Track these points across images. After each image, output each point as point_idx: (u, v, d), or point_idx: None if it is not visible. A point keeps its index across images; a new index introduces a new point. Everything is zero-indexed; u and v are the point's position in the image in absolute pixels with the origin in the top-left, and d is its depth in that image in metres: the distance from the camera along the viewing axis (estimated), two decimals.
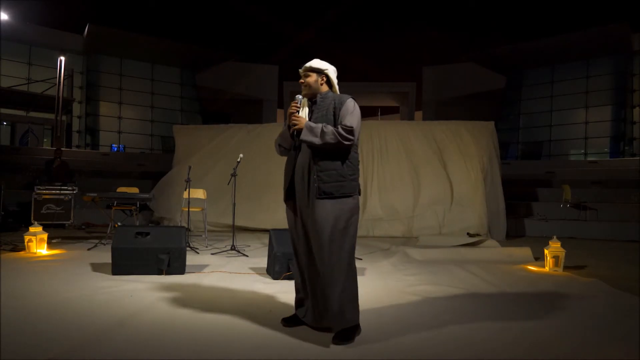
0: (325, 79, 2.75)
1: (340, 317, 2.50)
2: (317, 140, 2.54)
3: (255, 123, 10.18)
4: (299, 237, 2.72)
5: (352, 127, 2.56)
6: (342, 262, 2.54)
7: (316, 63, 2.74)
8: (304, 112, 2.72)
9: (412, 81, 22.41)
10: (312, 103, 2.76)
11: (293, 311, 2.88)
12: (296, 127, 2.61)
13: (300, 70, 2.77)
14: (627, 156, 16.62)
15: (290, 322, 2.79)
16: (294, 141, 2.69)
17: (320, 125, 2.57)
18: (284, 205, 2.84)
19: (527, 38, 19.06)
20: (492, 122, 8.82)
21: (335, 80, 2.78)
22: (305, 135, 2.55)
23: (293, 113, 2.66)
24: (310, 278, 2.69)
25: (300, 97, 2.74)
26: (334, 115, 2.64)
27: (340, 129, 2.54)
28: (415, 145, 8.71)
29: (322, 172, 2.55)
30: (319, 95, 2.74)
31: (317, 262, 2.59)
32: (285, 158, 2.85)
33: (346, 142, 2.54)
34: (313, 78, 2.73)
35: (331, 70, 2.76)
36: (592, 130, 18.59)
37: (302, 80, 2.75)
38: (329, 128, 2.55)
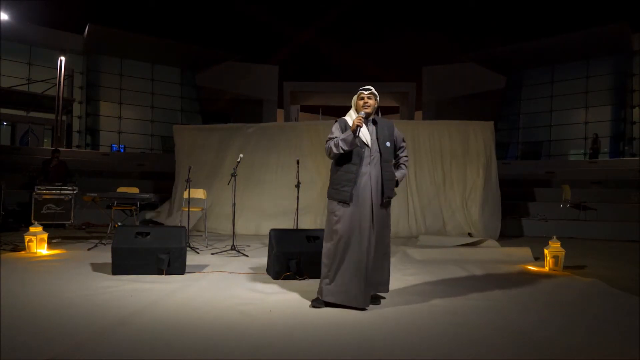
0: (376, 104, 3.43)
1: (388, 284, 3.47)
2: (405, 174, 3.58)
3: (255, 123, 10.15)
4: (368, 231, 3.24)
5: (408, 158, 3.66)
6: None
7: (374, 90, 3.41)
8: (365, 126, 3.35)
9: (412, 81, 22.42)
10: (368, 122, 3.38)
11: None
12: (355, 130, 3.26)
13: (364, 92, 3.38)
14: (627, 156, 16.62)
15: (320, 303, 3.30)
16: (357, 144, 3.27)
17: (404, 171, 3.55)
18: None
19: (527, 38, 19.07)
20: (492, 122, 8.82)
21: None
22: (402, 178, 3.53)
23: (359, 125, 3.25)
24: (371, 259, 3.27)
25: (363, 113, 3.31)
26: (391, 135, 3.45)
27: (405, 161, 3.60)
28: (413, 145, 8.69)
29: (388, 181, 3.34)
30: (376, 117, 3.46)
31: (382, 248, 3.37)
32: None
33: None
34: (373, 100, 3.38)
35: (378, 98, 3.46)
36: (592, 130, 18.60)
37: (366, 101, 3.36)
38: (403, 169, 3.55)
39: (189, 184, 6.27)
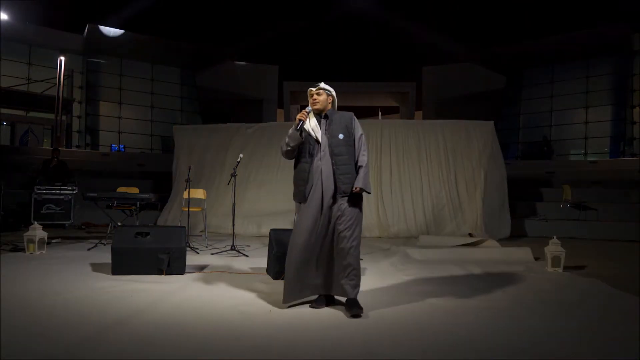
0: (331, 99, 3.37)
1: (356, 287, 3.17)
2: (368, 178, 3.29)
3: (255, 123, 10.14)
4: (324, 230, 3.18)
5: (367, 160, 3.29)
6: (359, 246, 3.22)
7: (325, 85, 3.37)
8: (312, 121, 3.30)
9: (412, 81, 22.38)
10: (321, 117, 3.33)
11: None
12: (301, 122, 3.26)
13: (312, 89, 3.35)
14: (627, 156, 16.61)
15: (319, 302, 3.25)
16: (302, 138, 3.25)
17: (363, 173, 3.23)
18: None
19: (527, 38, 19.05)
20: (492, 122, 8.81)
21: (336, 101, 3.45)
22: (369, 188, 3.26)
23: (301, 119, 3.25)
24: (331, 258, 3.21)
25: (310, 109, 3.33)
26: (347, 127, 3.30)
27: (365, 159, 3.27)
28: (413, 145, 8.70)
29: (343, 175, 3.18)
30: (328, 111, 3.34)
31: (344, 245, 3.14)
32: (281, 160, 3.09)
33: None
34: (323, 97, 3.32)
35: (334, 93, 3.41)
36: (592, 130, 18.59)
37: (315, 98, 3.32)
38: (364, 170, 3.24)
39: (188, 184, 6.27)
